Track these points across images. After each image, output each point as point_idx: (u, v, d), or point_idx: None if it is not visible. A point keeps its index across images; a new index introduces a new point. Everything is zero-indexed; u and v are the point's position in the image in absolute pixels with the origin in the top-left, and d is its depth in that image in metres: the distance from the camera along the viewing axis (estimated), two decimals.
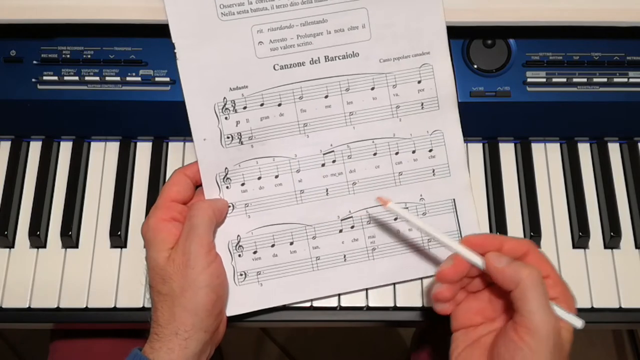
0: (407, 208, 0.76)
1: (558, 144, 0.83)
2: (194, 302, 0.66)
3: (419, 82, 0.75)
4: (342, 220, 0.75)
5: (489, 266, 0.62)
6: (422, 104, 0.75)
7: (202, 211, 0.69)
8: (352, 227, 0.75)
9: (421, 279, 0.76)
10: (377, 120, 0.75)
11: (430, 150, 0.76)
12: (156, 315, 0.67)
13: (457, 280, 0.65)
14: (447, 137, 0.76)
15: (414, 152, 0.76)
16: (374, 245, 0.75)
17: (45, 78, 0.78)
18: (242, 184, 0.74)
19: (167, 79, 0.78)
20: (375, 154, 0.75)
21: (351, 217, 0.75)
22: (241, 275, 0.74)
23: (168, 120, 0.79)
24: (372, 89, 0.74)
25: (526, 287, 0.59)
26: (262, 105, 0.73)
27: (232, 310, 0.73)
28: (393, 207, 0.68)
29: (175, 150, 0.82)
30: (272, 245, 0.74)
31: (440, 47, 0.75)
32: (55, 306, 0.76)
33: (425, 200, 0.76)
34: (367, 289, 0.76)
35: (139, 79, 0.78)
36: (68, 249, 0.79)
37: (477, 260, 0.64)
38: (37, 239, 0.78)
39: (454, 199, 0.76)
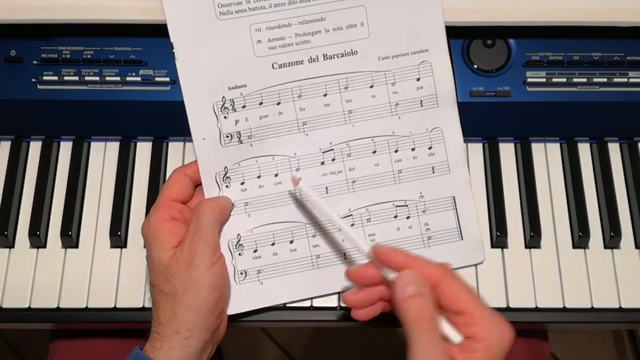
0: (406, 206, 0.76)
1: (558, 144, 0.83)
2: (196, 300, 0.66)
3: (418, 79, 0.75)
4: (342, 218, 0.75)
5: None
6: (421, 102, 0.75)
7: (209, 210, 0.69)
8: (352, 225, 0.75)
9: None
10: (376, 118, 0.75)
11: (430, 148, 0.76)
12: (157, 314, 0.67)
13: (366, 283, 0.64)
14: (446, 134, 0.76)
15: (413, 149, 0.76)
16: (374, 243, 0.75)
17: (45, 78, 0.78)
18: (242, 183, 0.74)
19: (167, 79, 0.78)
20: (374, 152, 0.75)
21: (351, 215, 0.75)
22: (241, 274, 0.74)
23: (168, 120, 0.79)
24: (371, 86, 0.75)
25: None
26: (261, 104, 0.73)
27: (232, 309, 0.73)
28: (303, 187, 0.68)
29: (175, 150, 0.82)
30: (272, 244, 0.74)
31: (439, 45, 0.75)
32: (55, 306, 0.76)
33: (425, 198, 0.76)
34: None
35: (139, 79, 0.78)
36: (68, 249, 0.79)
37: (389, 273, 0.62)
38: (37, 239, 0.78)
39: (453, 197, 0.76)
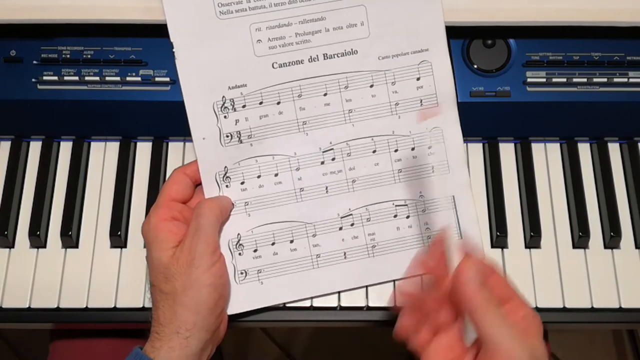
0: (406, 205, 0.76)
1: (558, 144, 0.83)
2: (196, 300, 0.66)
3: (418, 79, 0.75)
4: (342, 218, 0.75)
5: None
6: (421, 101, 0.75)
7: (209, 210, 0.69)
8: (352, 224, 0.75)
9: (421, 276, 0.76)
10: (376, 117, 0.75)
11: (430, 147, 0.76)
12: (157, 314, 0.67)
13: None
14: (446, 134, 0.76)
15: (413, 149, 0.76)
16: (374, 242, 0.75)
17: (45, 78, 0.78)
18: (242, 183, 0.74)
19: (167, 79, 0.78)
20: (374, 152, 0.75)
21: (351, 214, 0.75)
22: (242, 273, 0.74)
23: (168, 120, 0.79)
24: (371, 86, 0.75)
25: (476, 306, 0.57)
26: (261, 103, 0.73)
27: (232, 308, 0.73)
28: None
29: (175, 150, 0.82)
30: (272, 244, 0.74)
31: (439, 44, 0.75)
32: (55, 306, 0.76)
33: (424, 197, 0.76)
34: (367, 287, 0.76)
35: (139, 79, 0.78)
36: (68, 249, 0.79)
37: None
38: (37, 239, 0.78)
39: (453, 196, 0.76)
